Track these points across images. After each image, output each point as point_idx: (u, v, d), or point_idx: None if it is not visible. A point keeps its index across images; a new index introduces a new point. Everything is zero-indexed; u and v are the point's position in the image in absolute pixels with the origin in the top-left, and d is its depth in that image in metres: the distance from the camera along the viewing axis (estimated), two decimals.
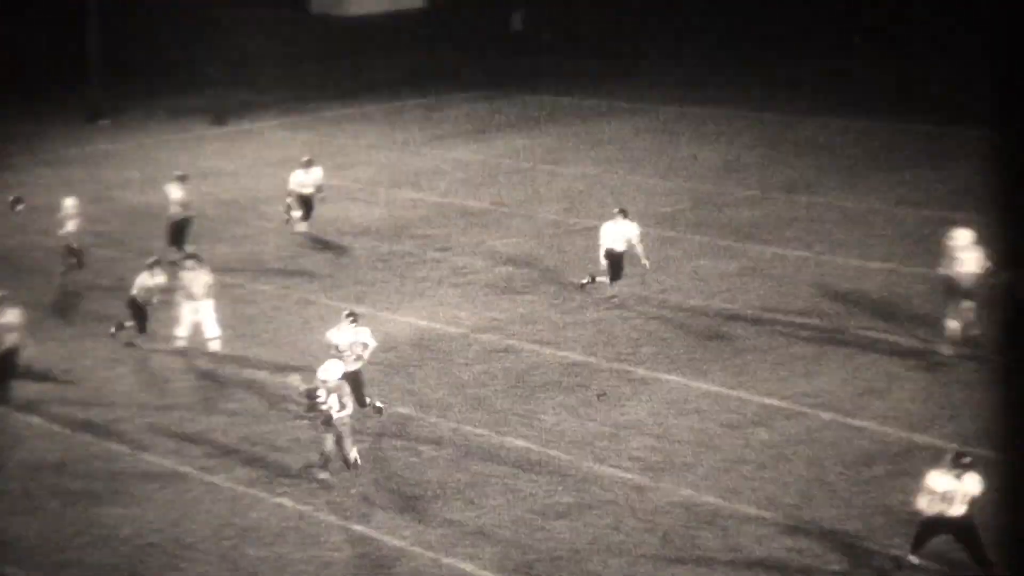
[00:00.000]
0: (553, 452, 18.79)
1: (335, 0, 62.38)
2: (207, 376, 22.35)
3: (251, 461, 18.77)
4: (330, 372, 17.94)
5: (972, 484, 14.67)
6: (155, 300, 23.19)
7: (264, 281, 27.13)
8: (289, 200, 29.99)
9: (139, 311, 23.23)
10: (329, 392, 17.67)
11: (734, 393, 20.55)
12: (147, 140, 40.56)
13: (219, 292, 23.61)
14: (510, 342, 23.35)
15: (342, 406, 17.72)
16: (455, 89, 46.87)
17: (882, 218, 29.67)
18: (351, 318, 20.11)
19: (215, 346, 22.97)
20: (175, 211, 28.30)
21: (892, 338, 22.47)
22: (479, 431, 19.60)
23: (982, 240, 21.65)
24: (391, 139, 40.33)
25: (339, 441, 17.84)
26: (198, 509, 17.42)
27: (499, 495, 17.47)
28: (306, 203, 30.05)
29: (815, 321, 23.48)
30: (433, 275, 27.61)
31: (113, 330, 23.52)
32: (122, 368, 22.69)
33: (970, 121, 36.99)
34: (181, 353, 22.99)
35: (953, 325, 21.78)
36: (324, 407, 17.67)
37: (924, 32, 48.87)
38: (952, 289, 21.96)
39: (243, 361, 22.77)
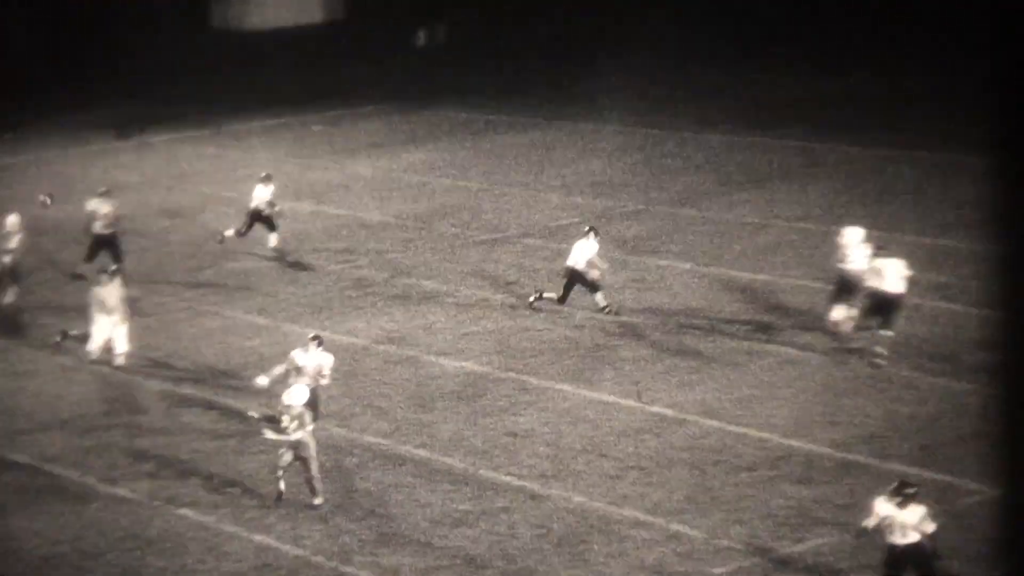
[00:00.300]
0: (451, 461, 19.05)
1: (236, 14, 62.07)
2: (114, 389, 22.32)
3: (153, 473, 18.81)
4: (296, 398, 17.76)
5: (911, 515, 14.33)
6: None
7: (169, 294, 27.10)
8: (277, 214, 29.17)
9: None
10: (292, 418, 17.53)
11: (623, 402, 20.93)
12: (48, 154, 40.18)
13: (129, 306, 23.57)
14: (410, 353, 23.57)
15: (302, 425, 17.55)
16: (357, 103, 46.92)
17: (761, 230, 30.25)
18: (317, 341, 19.74)
19: (122, 360, 22.94)
20: (98, 226, 28.04)
21: (771, 347, 22.99)
22: (380, 441, 19.80)
23: (870, 239, 22.91)
24: (293, 153, 40.32)
25: (305, 464, 17.48)
26: (102, 521, 17.44)
27: (399, 504, 17.69)
28: (266, 220, 29.21)
29: (699, 332, 23.94)
30: (335, 287, 27.74)
31: (58, 339, 23.45)
32: (28, 381, 22.59)
33: (844, 136, 37.94)
34: (91, 366, 22.93)
35: (837, 316, 22.71)
36: (288, 434, 17.44)
37: (802, 47, 49.75)
38: (842, 284, 22.90)
39: (148, 374, 22.77)
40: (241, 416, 20.59)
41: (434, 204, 33.98)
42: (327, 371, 19.45)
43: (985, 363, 21.64)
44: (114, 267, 25.23)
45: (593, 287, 24.62)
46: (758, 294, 25.92)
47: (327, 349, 19.80)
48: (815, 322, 23.46)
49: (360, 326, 25.19)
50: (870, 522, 14.56)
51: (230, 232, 29.34)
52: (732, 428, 19.74)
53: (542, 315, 25.27)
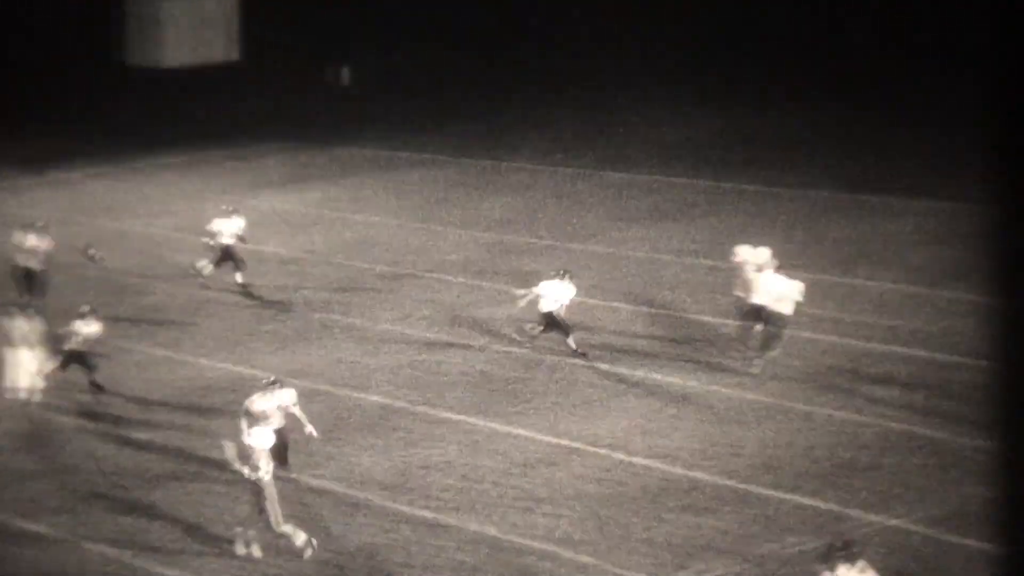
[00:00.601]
0: (364, 494, 19.03)
1: (151, 51, 61.61)
2: (30, 424, 22.04)
3: (71, 509, 18.58)
4: (260, 441, 17.41)
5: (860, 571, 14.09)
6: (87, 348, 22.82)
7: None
8: (210, 247, 28.59)
9: (77, 359, 22.76)
10: (253, 462, 17.07)
11: (533, 435, 21.07)
12: None
13: (43, 340, 23.27)
14: (322, 387, 23.53)
15: (257, 468, 17.08)
16: (269, 139, 46.79)
17: (659, 265, 30.59)
18: (275, 384, 19.30)
19: (39, 396, 22.59)
20: (24, 260, 27.46)
21: (675, 379, 23.25)
22: (291, 474, 19.72)
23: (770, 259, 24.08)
24: (204, 188, 40.09)
25: (263, 507, 16.90)
26: (18, 557, 17.19)
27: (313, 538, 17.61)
28: (227, 253, 28.65)
29: (606, 366, 24.17)
30: (244, 322, 27.62)
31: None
32: None
33: (744, 174, 38.55)
34: (6, 401, 22.62)
35: (750, 342, 23.78)
36: (258, 473, 16.99)
37: (715, 84, 50.46)
38: (742, 307, 24.00)
39: (66, 409, 22.52)
40: (161, 450, 20.45)
41: (340, 239, 33.98)
42: (293, 403, 19.33)
43: (881, 396, 22.11)
44: (33, 302, 24.92)
45: (566, 331, 24.26)
46: (662, 327, 26.22)
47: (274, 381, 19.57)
48: (718, 354, 23.80)
49: (271, 361, 25.09)
50: None
51: (203, 264, 28.74)
52: (638, 460, 19.94)
53: (454, 348, 25.37)
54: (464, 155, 43.60)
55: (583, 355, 24.15)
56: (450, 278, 29.20)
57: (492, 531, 17.66)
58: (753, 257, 24.49)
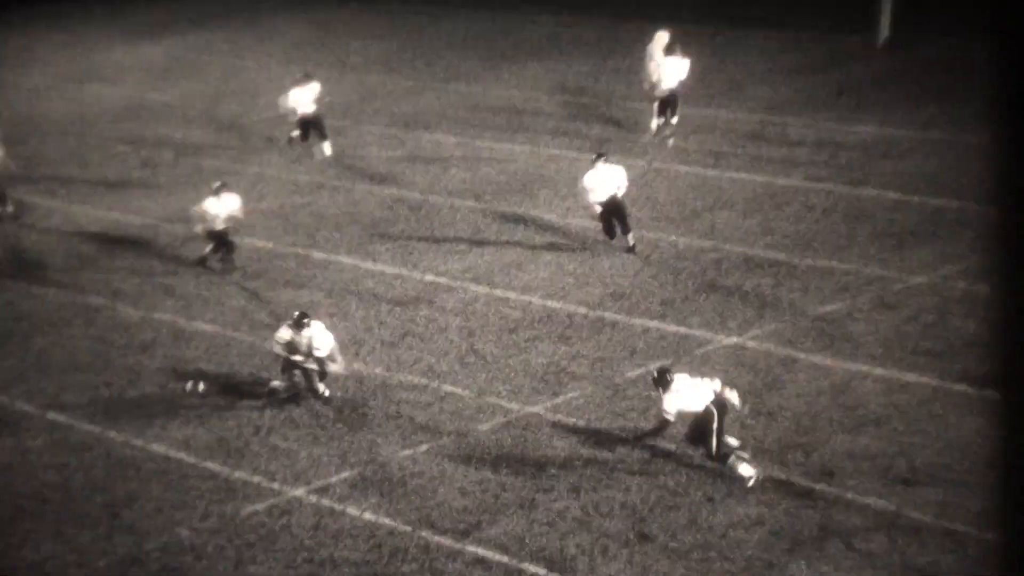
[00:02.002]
0: (237, 335, 18.83)
1: None
2: None
3: None
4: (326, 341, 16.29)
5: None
6: (226, 226, 20.79)
7: None
8: (298, 125, 25.89)
9: (217, 239, 20.86)
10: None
11: (400, 271, 20.99)
12: None
13: None
14: (197, 230, 23.12)
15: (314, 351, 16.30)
16: None
17: (530, 104, 30.39)
18: (304, 318, 16.79)
19: None
20: None
21: (533, 213, 23.26)
22: (169, 317, 19.46)
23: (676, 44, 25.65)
24: (80, 36, 38.70)
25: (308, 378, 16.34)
26: None
27: (178, 381, 17.44)
28: (315, 124, 25.98)
29: (470, 203, 24.06)
30: (120, 168, 26.96)
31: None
32: None
33: (599, 11, 38.13)
34: None
35: (653, 125, 25.84)
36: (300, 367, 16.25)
37: None
38: (653, 91, 25.75)
39: None
40: (34, 296, 20.03)
41: (215, 85, 33.12)
42: (322, 348, 16.49)
43: (719, 221, 22.32)
44: None
45: (624, 222, 20.72)
46: (523, 164, 26.11)
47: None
48: (571, 190, 23.81)
49: (148, 206, 24.58)
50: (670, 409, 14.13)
51: (296, 134, 26.11)
52: (498, 293, 19.97)
53: (324, 190, 25.03)
54: (335, 1, 42.51)
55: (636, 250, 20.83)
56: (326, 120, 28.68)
57: (358, 366, 17.62)
58: (660, 41, 26.16)
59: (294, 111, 26.06)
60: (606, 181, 20.60)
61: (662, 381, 14.36)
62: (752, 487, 13.85)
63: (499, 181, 25.13)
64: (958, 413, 15.44)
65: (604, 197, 20.54)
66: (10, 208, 23.42)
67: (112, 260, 21.85)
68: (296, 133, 26.32)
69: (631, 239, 20.86)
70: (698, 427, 14.13)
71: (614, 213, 20.68)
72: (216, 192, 20.93)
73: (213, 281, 20.78)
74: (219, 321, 19.30)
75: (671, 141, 26.12)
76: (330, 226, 23.12)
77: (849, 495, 13.78)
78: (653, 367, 15.58)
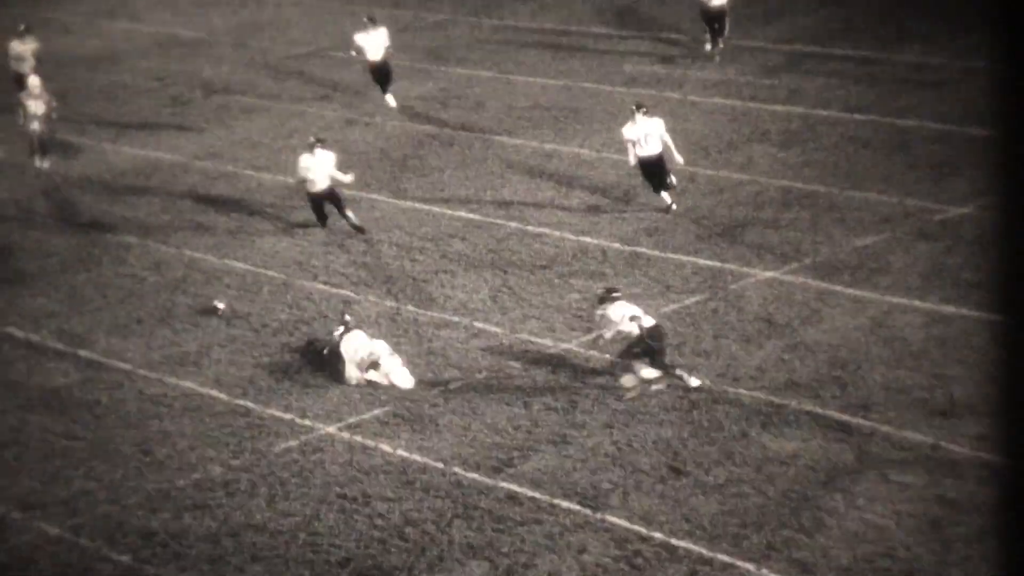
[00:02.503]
0: (270, 272, 18.93)
1: None
2: None
3: None
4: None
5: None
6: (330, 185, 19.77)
7: None
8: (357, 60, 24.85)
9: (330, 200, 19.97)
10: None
11: (431, 208, 20.98)
12: None
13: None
14: (229, 168, 23.18)
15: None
16: None
17: (565, 35, 30.17)
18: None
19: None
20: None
21: (567, 148, 23.15)
22: (203, 256, 19.57)
23: None
24: None
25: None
26: None
27: (218, 320, 17.55)
28: (384, 72, 24.55)
29: (503, 138, 23.97)
30: (151, 105, 27.01)
31: None
32: None
33: None
34: None
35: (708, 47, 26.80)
36: None
37: None
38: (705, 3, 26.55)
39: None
40: (65, 233, 20.16)
41: (243, 19, 33.06)
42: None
43: (756, 153, 22.16)
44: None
45: (657, 183, 19.79)
46: (553, 97, 25.96)
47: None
48: (605, 125, 23.65)
49: (180, 143, 24.64)
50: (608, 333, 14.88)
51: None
52: (531, 228, 19.93)
53: (355, 126, 25.00)
54: None
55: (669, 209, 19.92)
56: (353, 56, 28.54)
57: (391, 303, 17.68)
58: None
59: (361, 57, 24.72)
60: (648, 134, 19.42)
61: (606, 299, 15.01)
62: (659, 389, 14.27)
63: (532, 116, 25.02)
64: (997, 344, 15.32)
65: (646, 153, 19.46)
66: (46, 164, 23.40)
67: (143, 198, 21.94)
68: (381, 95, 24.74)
69: (667, 198, 19.74)
70: (630, 347, 14.85)
71: (653, 171, 19.61)
72: (311, 148, 19.79)
73: (244, 219, 20.85)
74: (251, 259, 19.38)
75: (717, 58, 26.88)
76: (361, 162, 23.09)
77: (885, 428, 13.76)
78: (599, 287, 15.79)
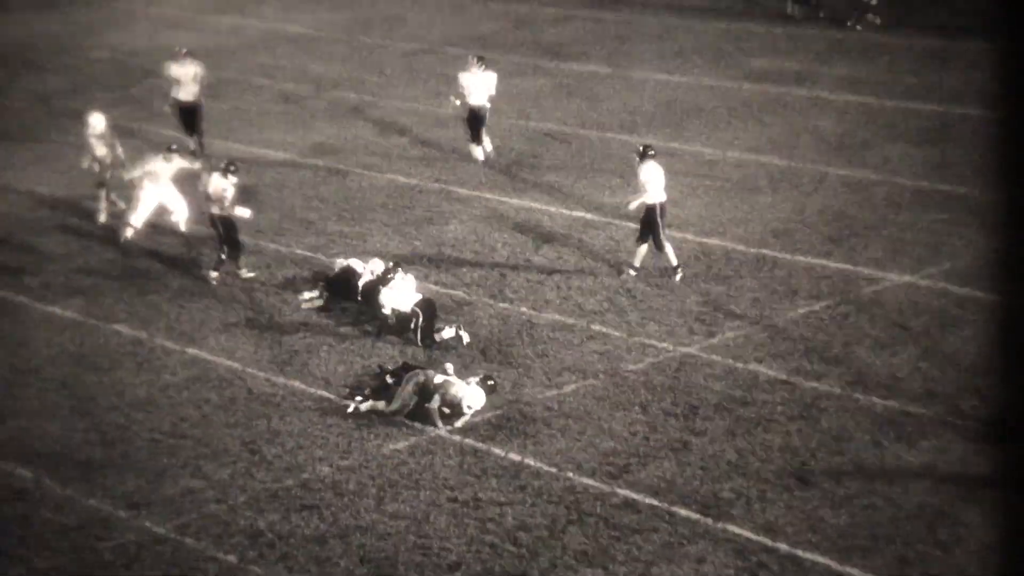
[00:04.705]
0: None
1: None
2: (51, 208, 22.24)
3: (85, 291, 18.84)
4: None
5: None
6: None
7: None
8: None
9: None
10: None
11: (547, 207, 21.09)
12: None
13: None
14: (338, 166, 23.53)
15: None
16: None
17: (685, 29, 30.15)
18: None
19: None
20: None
21: (689, 147, 23.12)
22: (307, 254, 19.89)
23: None
24: None
25: None
26: (36, 337, 17.51)
27: (331, 315, 17.79)
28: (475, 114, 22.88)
29: (622, 136, 24.02)
30: (259, 101, 27.49)
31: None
32: None
33: None
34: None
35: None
36: None
37: None
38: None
39: (89, 196, 22.67)
40: (174, 233, 20.62)
41: (355, 15, 33.50)
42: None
43: (890, 152, 21.94)
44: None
45: None
46: (673, 94, 25.95)
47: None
48: (729, 122, 23.58)
49: (289, 140, 25.07)
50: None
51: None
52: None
53: (464, 127, 25.22)
54: None
55: None
56: (465, 51, 28.79)
57: (503, 305, 17.81)
58: None
59: (463, 101, 22.95)
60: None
61: (384, 281, 16.82)
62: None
63: (652, 113, 25.04)
64: None
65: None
66: (192, 145, 23.77)
67: (250, 196, 22.33)
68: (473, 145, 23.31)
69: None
70: (403, 321, 16.46)
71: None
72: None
73: (354, 218, 21.14)
74: (358, 258, 19.61)
75: (859, 26, 28.48)
76: (469, 160, 23.29)
77: None
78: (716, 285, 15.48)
